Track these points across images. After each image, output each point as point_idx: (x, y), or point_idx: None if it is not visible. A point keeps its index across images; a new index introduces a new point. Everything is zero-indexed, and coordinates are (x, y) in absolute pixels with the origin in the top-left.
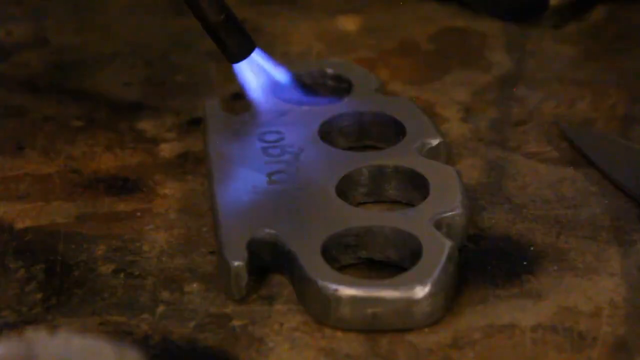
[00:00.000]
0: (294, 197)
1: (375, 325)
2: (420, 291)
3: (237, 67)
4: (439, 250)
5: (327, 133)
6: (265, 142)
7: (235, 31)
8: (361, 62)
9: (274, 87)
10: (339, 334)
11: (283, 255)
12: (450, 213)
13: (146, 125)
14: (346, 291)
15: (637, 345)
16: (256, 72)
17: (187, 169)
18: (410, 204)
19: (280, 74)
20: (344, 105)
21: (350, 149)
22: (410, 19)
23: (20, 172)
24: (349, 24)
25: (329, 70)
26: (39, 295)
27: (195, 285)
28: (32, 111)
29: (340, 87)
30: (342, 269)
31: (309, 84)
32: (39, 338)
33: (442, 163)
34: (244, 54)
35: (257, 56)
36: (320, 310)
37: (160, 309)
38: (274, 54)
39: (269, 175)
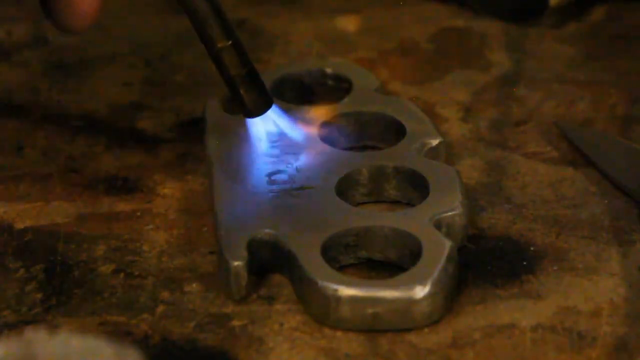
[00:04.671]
0: (294, 197)
1: (375, 325)
2: (420, 291)
3: (251, 120)
4: (439, 250)
5: (327, 133)
6: (265, 142)
7: (255, 87)
8: (361, 62)
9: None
10: (339, 334)
11: (283, 255)
12: (450, 213)
13: (146, 125)
14: (346, 291)
15: (637, 345)
16: (269, 128)
17: (187, 169)
18: (410, 204)
19: (295, 131)
20: (344, 105)
21: (350, 149)
22: (410, 19)
23: (20, 172)
24: (349, 24)
25: (329, 70)
26: (39, 295)
27: (195, 285)
28: (32, 111)
29: (340, 87)
30: (342, 269)
31: (308, 84)
32: (39, 338)
33: (442, 163)
34: (260, 111)
35: (273, 113)
36: (320, 310)
37: (160, 309)
38: (274, 54)
39: (269, 175)
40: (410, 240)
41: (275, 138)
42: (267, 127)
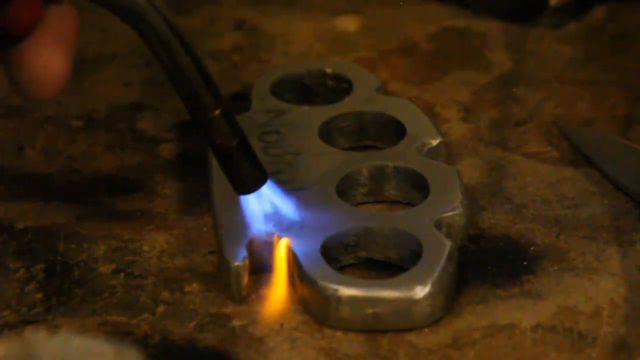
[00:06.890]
0: (294, 197)
1: (375, 325)
2: (420, 291)
3: (243, 197)
4: (439, 250)
5: (327, 133)
6: (265, 142)
7: (247, 160)
8: (361, 62)
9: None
10: (339, 334)
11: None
12: (450, 213)
13: (146, 125)
14: (346, 291)
15: (637, 345)
16: (263, 205)
17: (187, 169)
18: (410, 204)
19: (289, 208)
20: (344, 105)
21: (350, 149)
22: (410, 19)
23: (20, 172)
24: (349, 24)
25: (329, 70)
26: (39, 295)
27: (195, 285)
28: (32, 111)
29: (341, 87)
30: (342, 269)
31: (308, 84)
32: (39, 338)
33: (442, 163)
34: (253, 187)
35: (267, 189)
36: (320, 310)
37: (160, 309)
38: (274, 54)
39: (269, 175)
40: (411, 240)
41: (271, 214)
42: (261, 205)
